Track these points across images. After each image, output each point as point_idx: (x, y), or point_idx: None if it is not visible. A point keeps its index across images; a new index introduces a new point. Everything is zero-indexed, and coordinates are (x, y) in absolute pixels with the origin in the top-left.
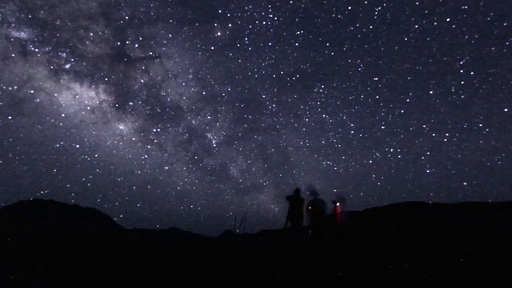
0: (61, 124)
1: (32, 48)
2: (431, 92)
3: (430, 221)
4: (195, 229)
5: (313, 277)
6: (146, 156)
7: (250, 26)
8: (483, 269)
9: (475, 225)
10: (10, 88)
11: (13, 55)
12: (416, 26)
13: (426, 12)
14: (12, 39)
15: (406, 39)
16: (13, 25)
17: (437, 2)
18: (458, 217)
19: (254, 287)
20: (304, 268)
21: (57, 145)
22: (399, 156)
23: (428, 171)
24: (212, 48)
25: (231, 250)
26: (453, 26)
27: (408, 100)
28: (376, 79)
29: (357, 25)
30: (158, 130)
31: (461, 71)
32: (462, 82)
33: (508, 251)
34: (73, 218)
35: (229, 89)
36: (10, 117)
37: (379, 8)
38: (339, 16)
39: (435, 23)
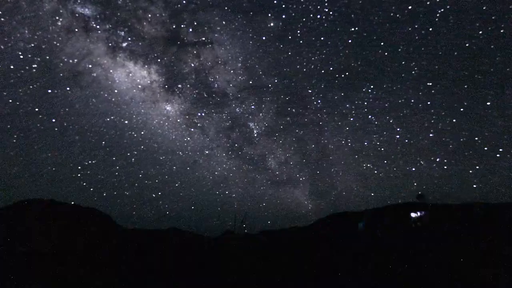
0: (113, 99)
1: (94, 25)
2: (488, 103)
3: (430, 221)
4: (195, 229)
5: (313, 277)
6: (188, 138)
7: (304, 19)
8: (484, 269)
9: (475, 225)
10: (70, 61)
11: (76, 30)
12: (480, 32)
13: (493, 18)
14: (77, 15)
15: (467, 44)
16: (78, 1)
17: (507, 9)
18: (459, 217)
19: (254, 287)
20: (304, 268)
21: (108, 119)
22: (445, 167)
23: (474, 185)
24: (264, 38)
25: (231, 250)
26: None
27: (461, 109)
28: (430, 84)
29: (416, 26)
30: (203, 114)
31: None
32: None
33: (508, 251)
34: (73, 218)
35: (276, 81)
36: (68, 88)
37: (442, 10)
38: (397, 15)
39: (501, 30)
